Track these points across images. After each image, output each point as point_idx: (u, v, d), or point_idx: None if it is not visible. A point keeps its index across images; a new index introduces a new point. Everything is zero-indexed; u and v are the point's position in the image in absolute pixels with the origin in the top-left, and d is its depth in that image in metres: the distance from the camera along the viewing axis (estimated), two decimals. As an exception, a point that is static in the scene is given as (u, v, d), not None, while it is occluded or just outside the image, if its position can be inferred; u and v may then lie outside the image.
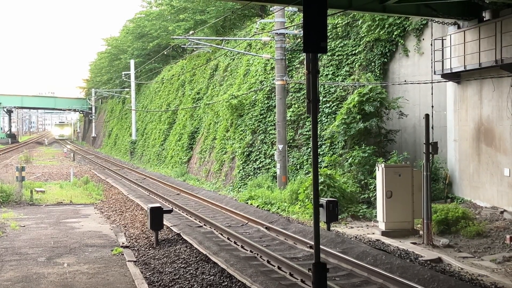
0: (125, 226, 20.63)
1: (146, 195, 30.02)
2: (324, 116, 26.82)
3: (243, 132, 32.16)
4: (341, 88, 26.78)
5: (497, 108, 19.75)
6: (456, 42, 20.89)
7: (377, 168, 19.18)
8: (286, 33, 27.36)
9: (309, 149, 26.94)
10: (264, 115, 31.03)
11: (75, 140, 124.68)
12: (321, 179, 21.16)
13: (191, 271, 13.87)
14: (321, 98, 26.70)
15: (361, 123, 23.46)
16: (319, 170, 11.12)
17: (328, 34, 26.29)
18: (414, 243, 17.05)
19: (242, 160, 30.87)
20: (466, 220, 18.15)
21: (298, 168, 27.30)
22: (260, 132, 30.82)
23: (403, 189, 18.37)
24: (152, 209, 17.36)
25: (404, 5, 19.12)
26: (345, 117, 24.02)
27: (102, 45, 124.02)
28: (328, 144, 25.86)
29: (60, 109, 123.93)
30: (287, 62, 28.44)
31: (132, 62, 64.51)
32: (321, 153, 25.64)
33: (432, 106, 22.66)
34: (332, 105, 26.83)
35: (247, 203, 25.25)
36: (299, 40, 29.55)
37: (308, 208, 21.60)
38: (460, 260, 15.07)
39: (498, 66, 18.66)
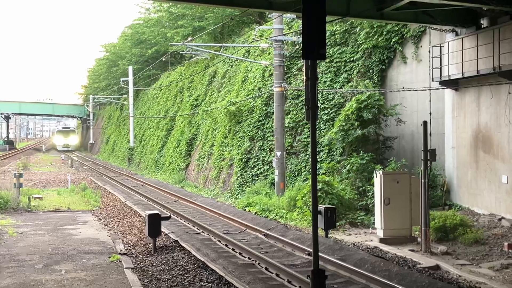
0: (123, 233, 20.59)
1: (144, 202, 29.98)
2: (322, 123, 26.85)
3: (241, 138, 32.16)
4: (339, 95, 26.82)
5: (495, 115, 19.77)
6: (454, 49, 20.94)
7: (375, 175, 19.18)
8: (285, 40, 27.41)
9: (307, 156, 26.95)
10: (262, 122, 31.05)
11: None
12: (319, 186, 21.15)
13: (189, 278, 13.85)
14: (319, 105, 26.71)
15: (359, 130, 23.49)
16: (317, 177, 11.12)
17: (327, 41, 26.34)
18: (412, 250, 17.03)
19: (240, 166, 30.85)
20: (464, 227, 18.14)
21: (296, 175, 27.29)
22: (258, 138, 30.82)
23: (401, 196, 18.37)
24: (150, 216, 17.34)
25: (402, 12, 19.16)
26: (343, 124, 24.05)
27: (100, 52, 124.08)
28: (326, 151, 25.87)
29: (58, 116, 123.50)
30: (285, 69, 28.47)
31: (130, 68, 64.53)
32: (319, 160, 25.64)
33: (430, 113, 22.66)
34: (330, 112, 26.86)
35: (245, 210, 25.22)
36: (297, 46, 29.60)
37: (306, 215, 21.59)
38: (458, 267, 15.06)
39: (496, 73, 18.69)
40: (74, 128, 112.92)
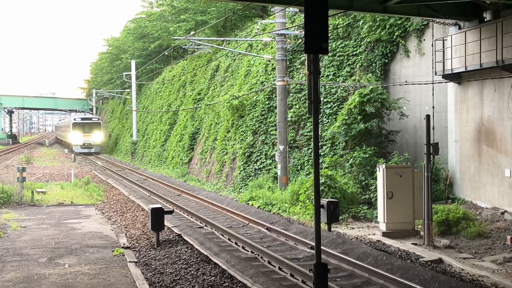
0: (126, 227, 20.63)
1: (147, 196, 30.02)
2: (325, 117, 26.83)
3: (244, 133, 32.17)
4: (342, 88, 26.79)
5: (498, 109, 19.75)
6: (457, 43, 20.90)
7: (378, 169, 19.18)
8: (287, 34, 27.38)
9: (310, 149, 26.95)
10: (265, 116, 31.04)
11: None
12: (322, 180, 21.15)
13: (192, 272, 13.87)
14: (322, 98, 26.69)
15: (362, 124, 23.48)
16: (320, 171, 11.13)
17: (329, 34, 26.29)
18: (415, 244, 17.05)
19: (243, 161, 30.87)
20: (467, 221, 18.16)
21: (299, 169, 27.30)
22: (261, 132, 30.82)
23: (404, 190, 18.37)
24: (153, 210, 17.37)
25: (405, 5, 19.13)
26: (346, 117, 24.04)
27: (103, 46, 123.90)
28: (329, 145, 25.86)
29: (61, 110, 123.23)
30: (288, 63, 28.45)
31: (133, 62, 64.49)
32: (322, 154, 25.63)
33: (433, 107, 22.66)
34: (333, 105, 26.84)
35: (248, 204, 25.24)
36: (300, 40, 29.55)
37: (309, 208, 21.61)
38: (460, 261, 15.08)
39: (499, 66, 18.66)
40: (98, 119, 75.56)
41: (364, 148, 23.33)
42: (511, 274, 13.81)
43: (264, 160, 29.74)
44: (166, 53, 49.62)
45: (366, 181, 22.79)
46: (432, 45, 22.34)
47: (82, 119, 73.56)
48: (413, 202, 18.34)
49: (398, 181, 18.40)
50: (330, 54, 27.42)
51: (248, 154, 30.83)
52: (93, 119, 74.95)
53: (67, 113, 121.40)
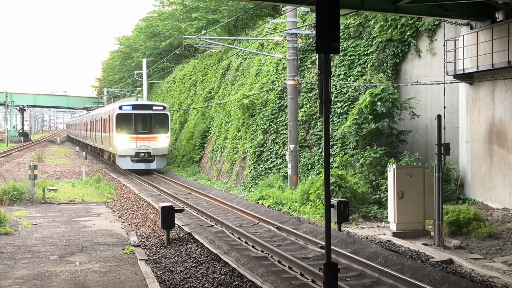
0: (137, 225, 20.70)
1: (157, 194, 30.10)
2: (336, 117, 26.80)
3: (255, 132, 32.19)
4: (353, 88, 26.75)
5: (510, 109, 19.65)
6: (468, 43, 20.81)
7: (388, 168, 19.15)
8: (298, 33, 27.36)
9: (321, 149, 26.93)
10: (276, 115, 31.05)
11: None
12: (332, 180, 21.13)
13: (202, 270, 13.91)
14: (332, 98, 26.66)
15: (373, 124, 23.43)
16: (330, 170, 11.13)
17: (340, 34, 26.22)
18: (425, 244, 17.01)
19: (253, 160, 30.89)
20: (477, 221, 18.08)
21: (309, 168, 27.29)
22: (272, 132, 30.83)
23: (415, 190, 18.32)
24: (163, 208, 17.43)
25: (417, 5, 19.07)
26: (357, 117, 24.00)
27: (114, 44, 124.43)
28: (340, 145, 25.84)
29: (73, 108, 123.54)
30: (299, 62, 28.43)
31: (144, 61, 64.60)
32: (332, 153, 25.61)
33: (444, 107, 22.58)
34: (344, 105, 26.81)
35: (258, 203, 25.26)
36: (311, 40, 29.53)
37: (319, 208, 21.60)
38: (471, 261, 15.03)
39: (511, 67, 18.57)
40: (164, 109, 42.34)
41: (374, 148, 23.29)
42: (522, 275, 13.75)
43: (275, 159, 29.75)
44: (177, 52, 49.73)
45: (377, 181, 22.75)
46: (444, 45, 22.26)
47: (134, 107, 41.54)
48: (424, 202, 18.30)
49: (408, 181, 18.36)
50: (341, 53, 27.37)
51: (259, 153, 30.85)
52: (154, 107, 42.35)
53: (78, 111, 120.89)
